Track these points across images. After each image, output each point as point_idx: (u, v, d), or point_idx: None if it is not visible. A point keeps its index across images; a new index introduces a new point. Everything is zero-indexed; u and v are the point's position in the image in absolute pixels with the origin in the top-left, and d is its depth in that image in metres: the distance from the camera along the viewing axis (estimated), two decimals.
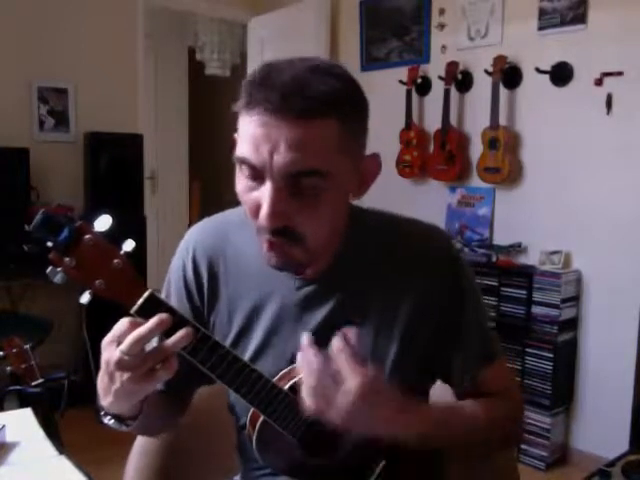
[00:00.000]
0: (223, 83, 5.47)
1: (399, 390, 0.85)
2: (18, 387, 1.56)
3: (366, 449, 0.94)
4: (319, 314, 0.96)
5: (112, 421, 0.90)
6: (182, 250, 1.06)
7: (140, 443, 1.25)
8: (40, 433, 1.14)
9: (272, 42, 4.15)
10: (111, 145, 3.55)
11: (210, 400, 1.30)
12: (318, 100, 0.80)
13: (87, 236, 0.79)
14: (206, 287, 1.02)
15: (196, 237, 1.05)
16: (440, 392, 1.07)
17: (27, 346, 1.62)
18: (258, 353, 0.99)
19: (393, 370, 0.95)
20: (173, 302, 1.03)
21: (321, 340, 0.88)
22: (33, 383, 1.55)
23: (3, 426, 1.10)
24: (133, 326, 0.79)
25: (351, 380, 0.79)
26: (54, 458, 1.04)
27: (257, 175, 0.83)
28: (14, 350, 1.60)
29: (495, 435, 1.00)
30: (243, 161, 0.83)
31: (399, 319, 0.94)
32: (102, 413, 0.90)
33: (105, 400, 0.86)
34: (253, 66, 4.32)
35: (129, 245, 0.81)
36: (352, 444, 0.94)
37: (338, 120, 0.82)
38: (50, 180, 3.46)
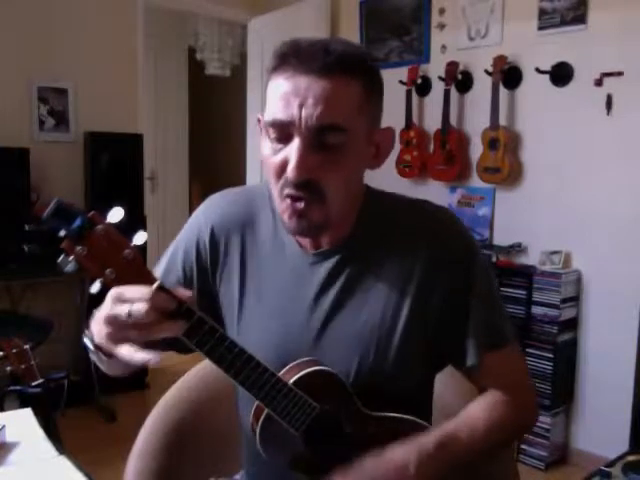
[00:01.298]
0: (223, 83, 5.47)
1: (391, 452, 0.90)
2: (18, 387, 1.56)
3: (369, 447, 0.94)
4: (333, 289, 0.98)
5: (91, 345, 0.92)
6: (197, 221, 1.08)
7: (140, 443, 1.25)
8: (40, 433, 1.13)
9: (272, 42, 4.15)
10: (111, 145, 3.55)
11: (210, 402, 1.30)
12: (344, 58, 0.87)
13: (99, 226, 0.80)
14: (221, 258, 1.05)
15: (212, 210, 1.08)
16: (448, 399, 1.07)
17: (27, 346, 1.62)
18: (269, 327, 1.00)
19: (403, 340, 0.96)
20: (180, 256, 1.07)
21: (333, 317, 0.96)
22: (33, 383, 1.55)
23: (3, 426, 1.10)
24: (152, 300, 0.79)
25: None
26: (54, 458, 1.04)
27: (284, 135, 0.89)
28: (14, 350, 1.60)
29: (498, 443, 1.02)
30: (273, 122, 0.89)
31: (409, 289, 0.97)
32: (85, 332, 0.93)
33: (95, 327, 0.89)
34: (253, 66, 4.33)
35: (140, 237, 0.82)
36: (355, 442, 0.94)
37: (361, 81, 0.89)
38: (50, 180, 3.45)
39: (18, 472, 1.01)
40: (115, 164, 3.53)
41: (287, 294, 1.01)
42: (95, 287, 0.81)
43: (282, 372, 0.93)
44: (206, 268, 1.06)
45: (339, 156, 0.89)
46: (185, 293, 0.83)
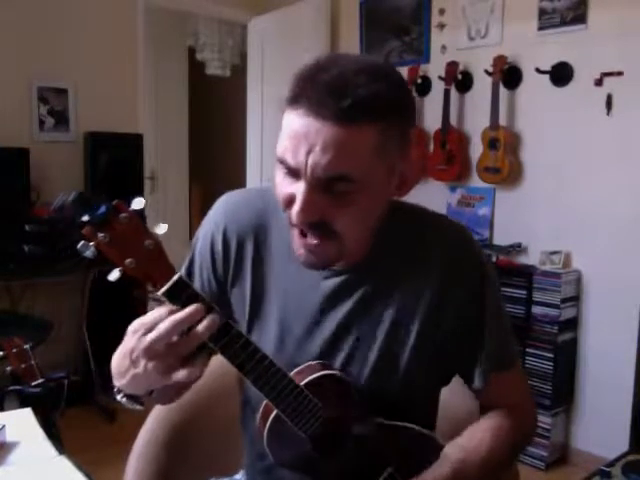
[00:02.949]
0: (223, 83, 5.47)
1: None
2: (18, 387, 1.55)
3: (374, 455, 0.94)
4: (345, 306, 0.97)
5: (124, 399, 0.91)
6: (210, 224, 1.06)
7: (140, 443, 1.25)
8: (40, 433, 1.13)
9: (272, 42, 4.15)
10: (111, 145, 3.55)
11: (210, 402, 1.30)
12: (360, 105, 0.80)
13: (123, 214, 0.79)
14: (232, 263, 1.03)
15: (226, 212, 1.05)
16: (454, 404, 1.08)
17: (27, 346, 1.62)
18: (279, 339, 0.99)
19: (412, 357, 0.96)
20: (196, 275, 1.06)
21: (344, 332, 0.95)
22: (33, 383, 1.55)
23: (3, 426, 1.10)
24: (170, 313, 0.80)
25: None
26: (54, 458, 1.04)
27: (293, 173, 0.85)
28: (14, 350, 1.60)
29: (506, 459, 1.02)
30: (281, 161, 0.85)
31: (420, 309, 0.96)
32: (115, 390, 0.91)
33: (119, 382, 0.88)
34: (253, 66, 4.33)
35: (162, 228, 0.82)
36: (360, 449, 0.94)
37: (379, 126, 0.82)
38: (50, 180, 3.45)
39: (18, 472, 1.01)
40: (115, 164, 3.53)
41: (297, 304, 0.99)
42: (114, 275, 0.81)
43: (293, 373, 0.92)
44: (219, 273, 1.05)
45: (350, 199, 0.85)
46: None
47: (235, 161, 4.89)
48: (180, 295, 0.81)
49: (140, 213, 0.81)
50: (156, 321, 0.80)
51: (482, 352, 0.98)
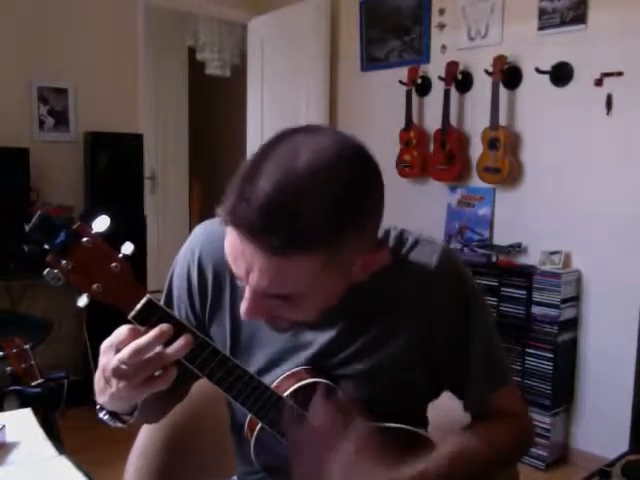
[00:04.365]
0: (223, 83, 5.47)
1: (394, 448, 0.84)
2: (18, 387, 1.55)
3: None
4: (322, 337, 0.94)
5: (107, 416, 0.90)
6: (186, 253, 1.01)
7: (140, 443, 1.25)
8: (40, 433, 1.13)
9: (272, 42, 4.15)
10: (111, 145, 3.54)
11: (209, 400, 1.30)
12: (294, 242, 0.73)
13: (85, 239, 0.78)
14: (210, 295, 0.99)
15: (202, 241, 0.99)
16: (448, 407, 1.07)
17: (27, 346, 1.62)
18: (261, 370, 0.96)
19: (401, 371, 0.94)
20: (175, 309, 1.01)
21: (325, 362, 0.91)
22: (33, 383, 1.55)
23: (3, 426, 1.10)
24: (133, 335, 0.78)
25: (340, 447, 0.80)
26: (54, 458, 1.04)
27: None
28: (14, 350, 1.60)
29: (502, 464, 1.00)
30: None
31: (403, 334, 0.93)
32: (98, 407, 0.90)
33: (100, 399, 0.86)
34: (253, 66, 4.33)
35: (128, 248, 0.79)
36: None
37: (321, 254, 0.75)
38: (50, 180, 3.45)
39: (18, 472, 1.01)
40: (115, 164, 3.53)
41: (278, 336, 0.95)
42: (82, 301, 0.79)
43: (277, 381, 0.91)
44: (196, 306, 1.01)
45: (300, 303, 0.81)
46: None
47: (235, 161, 4.85)
48: (150, 318, 0.79)
49: (102, 234, 0.79)
50: (120, 341, 0.78)
51: (474, 375, 0.95)
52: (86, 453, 1.46)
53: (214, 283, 0.98)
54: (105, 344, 0.81)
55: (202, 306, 1.00)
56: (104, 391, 0.83)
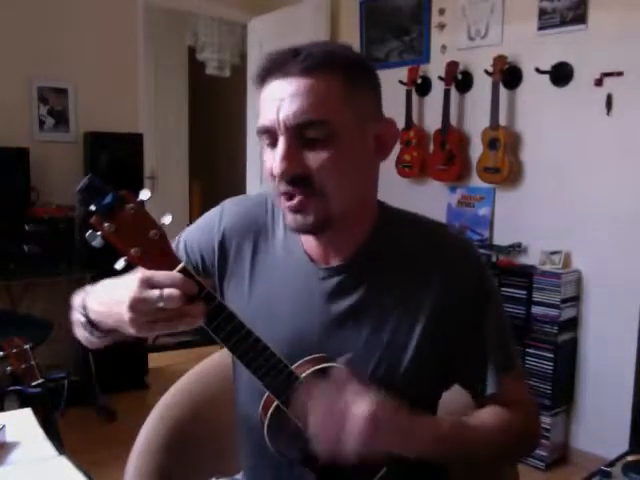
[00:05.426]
0: (223, 83, 5.47)
1: (408, 410, 0.86)
2: (18, 387, 1.55)
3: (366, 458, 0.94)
4: (343, 304, 0.98)
5: (83, 320, 0.93)
6: (215, 218, 1.08)
7: (140, 443, 1.25)
8: (40, 433, 1.13)
9: (272, 42, 4.15)
10: (111, 145, 3.55)
11: (210, 402, 1.30)
12: (320, 57, 0.88)
13: (129, 205, 0.81)
14: (231, 261, 1.05)
15: (233, 212, 1.07)
16: (451, 399, 1.07)
17: (27, 346, 1.61)
18: (275, 337, 0.98)
19: (414, 361, 0.96)
20: (188, 248, 1.08)
21: (344, 330, 0.94)
22: (33, 383, 1.55)
23: (3, 426, 1.10)
24: (180, 284, 0.80)
25: (358, 407, 0.81)
26: (54, 458, 1.04)
27: (273, 139, 0.90)
28: (14, 350, 1.59)
29: (510, 450, 1.01)
30: (259, 130, 0.91)
31: (422, 313, 0.96)
32: (81, 306, 0.93)
33: (96, 304, 0.90)
34: (253, 66, 4.33)
35: (167, 218, 0.84)
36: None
37: (339, 74, 0.89)
38: (50, 180, 3.45)
39: (18, 472, 1.01)
40: (115, 164, 3.52)
41: (295, 306, 1.00)
42: (120, 264, 0.82)
43: (294, 366, 0.92)
44: (212, 272, 1.05)
45: (327, 149, 0.88)
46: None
47: (235, 161, 4.89)
48: None
49: (145, 204, 0.82)
50: (163, 283, 0.79)
51: (489, 358, 0.98)
52: (86, 453, 1.46)
53: (235, 252, 1.05)
54: (146, 274, 0.81)
55: (221, 273, 1.06)
56: (109, 303, 0.86)
